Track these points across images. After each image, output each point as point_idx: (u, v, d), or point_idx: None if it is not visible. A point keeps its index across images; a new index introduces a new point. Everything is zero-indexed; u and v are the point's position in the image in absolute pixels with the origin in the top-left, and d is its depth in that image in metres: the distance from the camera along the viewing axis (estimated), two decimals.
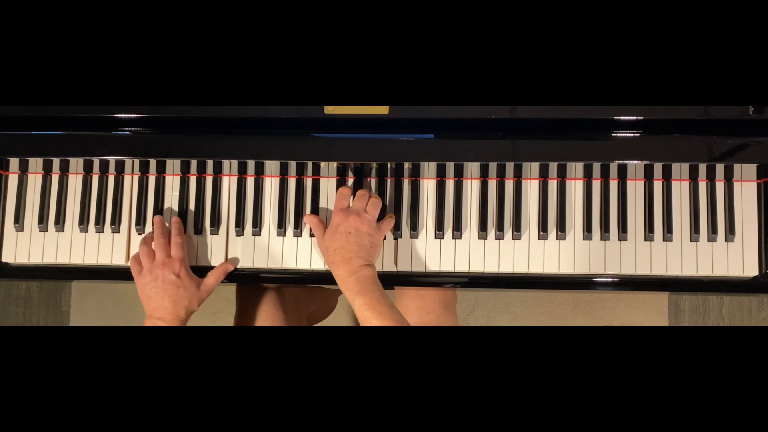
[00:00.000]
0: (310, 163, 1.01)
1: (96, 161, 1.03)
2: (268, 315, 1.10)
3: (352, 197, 0.98)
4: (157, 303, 0.94)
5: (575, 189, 1.00)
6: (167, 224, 1.00)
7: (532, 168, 1.00)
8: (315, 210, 1.02)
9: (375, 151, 0.96)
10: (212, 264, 1.02)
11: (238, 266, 1.01)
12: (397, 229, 1.00)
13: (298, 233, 1.01)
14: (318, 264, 1.01)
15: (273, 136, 0.96)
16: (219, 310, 1.78)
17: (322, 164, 1.01)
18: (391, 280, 1.02)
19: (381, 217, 0.98)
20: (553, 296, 1.73)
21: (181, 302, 0.94)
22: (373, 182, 1.02)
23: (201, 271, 1.00)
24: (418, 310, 1.07)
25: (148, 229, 1.02)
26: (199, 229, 1.02)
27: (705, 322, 1.72)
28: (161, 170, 1.03)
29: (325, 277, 1.00)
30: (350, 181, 1.01)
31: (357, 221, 0.93)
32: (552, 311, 1.74)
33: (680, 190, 1.00)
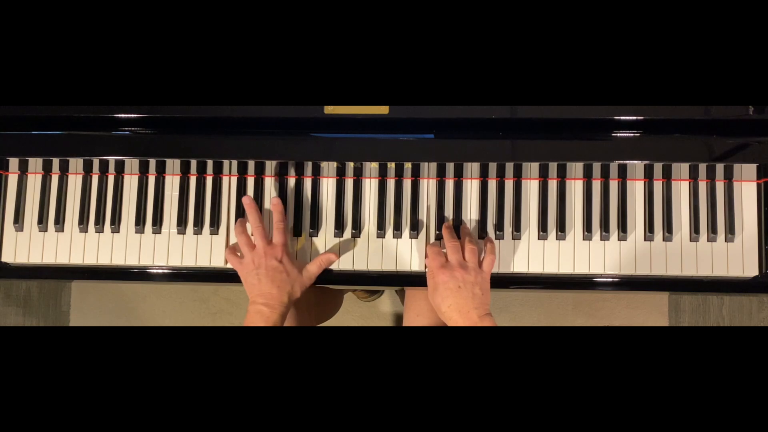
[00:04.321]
0: (310, 163, 1.01)
1: (96, 161, 1.02)
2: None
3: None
4: (262, 289, 0.93)
5: (575, 189, 1.00)
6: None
7: (532, 168, 0.99)
8: (315, 210, 1.01)
9: (375, 151, 0.96)
10: (212, 264, 1.02)
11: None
12: (397, 229, 1.00)
13: (297, 233, 1.01)
14: None
15: (273, 136, 0.96)
16: (219, 310, 1.78)
17: (322, 164, 1.01)
18: (392, 281, 1.02)
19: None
20: (553, 296, 1.73)
21: (285, 288, 0.93)
22: (373, 182, 1.02)
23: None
24: (431, 310, 1.07)
25: (148, 228, 1.02)
26: (198, 230, 1.02)
27: (705, 322, 1.72)
28: (161, 170, 1.03)
29: (327, 278, 1.00)
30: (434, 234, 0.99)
31: (463, 274, 0.91)
32: (552, 311, 1.74)
33: (680, 190, 1.00)
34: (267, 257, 0.94)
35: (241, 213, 1.02)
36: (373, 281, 1.02)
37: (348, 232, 1.01)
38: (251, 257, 0.95)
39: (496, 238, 1.00)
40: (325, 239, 1.01)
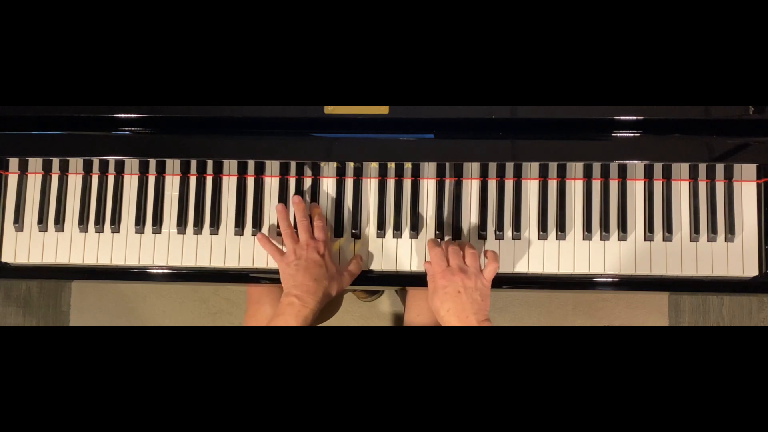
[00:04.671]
0: (310, 163, 1.01)
1: (96, 161, 1.03)
2: None
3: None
4: (299, 280, 0.93)
5: (575, 189, 1.00)
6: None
7: (532, 168, 1.00)
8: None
9: (375, 151, 0.96)
10: (212, 264, 1.02)
11: (242, 266, 1.01)
12: (397, 229, 1.00)
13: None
14: None
15: (273, 136, 0.96)
16: (219, 311, 1.78)
17: (322, 164, 1.01)
18: (392, 281, 1.02)
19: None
20: (553, 296, 1.73)
21: (322, 282, 0.94)
22: (373, 182, 1.02)
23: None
24: (431, 310, 1.07)
25: (148, 228, 1.02)
26: (198, 230, 1.02)
27: (705, 322, 1.72)
28: (161, 170, 1.03)
29: None
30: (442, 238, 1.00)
31: (463, 278, 0.91)
32: (552, 311, 1.74)
33: (680, 190, 1.00)
34: (309, 250, 0.95)
35: (241, 213, 1.02)
36: (373, 281, 1.02)
37: (348, 233, 1.01)
38: (293, 248, 0.96)
39: (496, 238, 1.00)
40: None
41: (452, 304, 0.90)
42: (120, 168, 1.03)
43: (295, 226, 0.99)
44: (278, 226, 1.00)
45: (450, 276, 0.91)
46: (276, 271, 1.00)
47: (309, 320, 0.92)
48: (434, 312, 0.93)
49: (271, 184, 1.02)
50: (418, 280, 1.01)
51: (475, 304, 0.90)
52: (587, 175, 1.00)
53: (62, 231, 1.04)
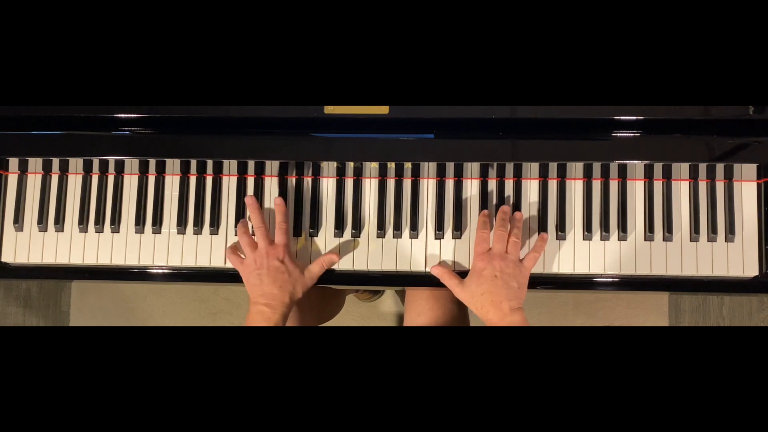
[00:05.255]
0: (310, 163, 1.01)
1: (96, 161, 1.03)
2: None
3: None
4: (264, 290, 0.93)
5: (575, 189, 1.00)
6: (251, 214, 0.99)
7: (532, 168, 0.99)
8: (315, 210, 1.01)
9: (375, 151, 0.96)
10: (212, 264, 1.02)
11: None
12: (397, 229, 1.00)
13: (297, 233, 1.01)
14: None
15: (273, 136, 0.96)
16: (219, 311, 1.78)
17: (322, 164, 1.01)
18: (393, 281, 1.02)
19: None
20: (553, 296, 1.73)
21: (287, 288, 0.93)
22: (373, 182, 1.02)
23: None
24: (432, 310, 1.07)
25: (148, 228, 1.02)
26: (198, 230, 1.02)
27: (705, 322, 1.72)
28: (161, 170, 1.03)
29: (327, 278, 1.00)
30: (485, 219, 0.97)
31: (502, 264, 0.91)
32: (552, 311, 1.74)
33: (680, 190, 1.00)
34: (269, 257, 0.94)
35: (241, 213, 1.02)
36: (373, 281, 1.02)
37: (348, 232, 1.01)
38: (253, 257, 0.95)
39: None
40: (325, 239, 1.01)
41: (488, 287, 0.90)
42: (120, 168, 1.03)
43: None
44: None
45: (489, 259, 0.92)
46: None
47: (281, 323, 0.93)
48: (468, 296, 0.93)
49: (271, 184, 1.02)
50: (418, 280, 1.01)
51: (511, 291, 0.90)
52: (587, 175, 1.00)
53: (62, 231, 1.04)
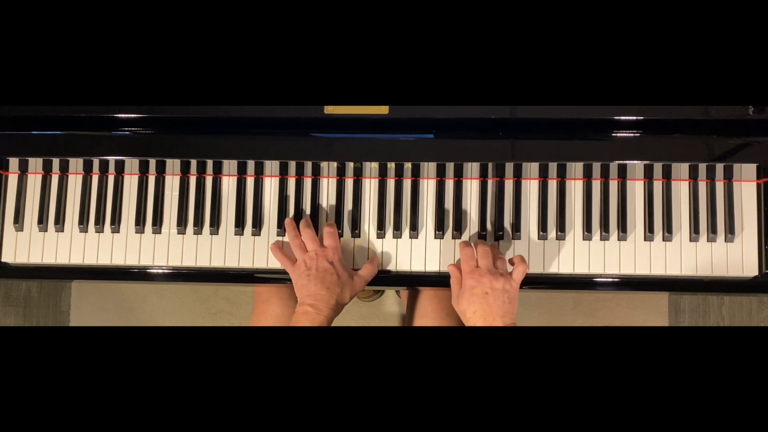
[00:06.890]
0: (310, 163, 1.01)
1: (96, 161, 1.03)
2: (286, 314, 1.10)
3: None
4: (312, 290, 0.93)
5: (575, 189, 1.00)
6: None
7: (532, 168, 1.00)
8: (314, 210, 1.01)
9: (375, 151, 0.96)
10: (212, 264, 1.02)
11: (242, 266, 1.01)
12: (397, 229, 1.00)
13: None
14: None
15: (273, 136, 0.96)
16: (219, 311, 1.78)
17: (322, 164, 1.01)
18: (393, 281, 1.02)
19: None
20: (553, 296, 1.73)
21: (334, 290, 0.93)
22: (373, 182, 1.02)
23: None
24: (436, 311, 1.07)
25: (148, 229, 1.02)
26: (198, 230, 1.02)
27: (705, 322, 1.72)
28: (161, 170, 1.03)
29: None
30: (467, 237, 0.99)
31: (491, 280, 0.90)
32: (552, 311, 1.74)
33: (680, 190, 1.00)
34: (319, 259, 0.95)
35: (241, 213, 1.02)
36: (373, 281, 1.02)
37: (348, 233, 1.01)
38: (303, 258, 0.96)
39: (495, 239, 1.00)
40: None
41: (479, 306, 0.89)
42: (120, 168, 1.03)
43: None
44: (284, 231, 1.00)
45: (478, 277, 0.90)
46: (276, 271, 1.00)
47: (325, 324, 0.92)
48: (459, 314, 0.92)
49: (271, 184, 1.03)
50: (418, 280, 1.01)
51: (504, 306, 0.89)
52: (587, 175, 1.00)
53: (62, 231, 1.04)
